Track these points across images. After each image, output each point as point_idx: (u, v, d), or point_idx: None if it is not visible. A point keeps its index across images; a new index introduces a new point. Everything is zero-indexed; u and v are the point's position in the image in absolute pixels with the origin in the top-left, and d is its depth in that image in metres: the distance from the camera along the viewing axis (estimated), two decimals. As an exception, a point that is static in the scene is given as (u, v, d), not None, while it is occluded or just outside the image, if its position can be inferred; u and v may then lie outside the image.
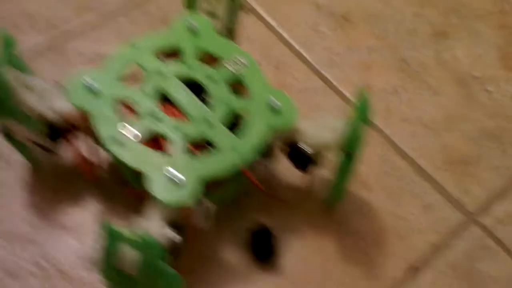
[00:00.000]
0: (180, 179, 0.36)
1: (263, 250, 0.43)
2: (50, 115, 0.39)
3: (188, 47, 0.42)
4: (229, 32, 0.46)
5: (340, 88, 0.51)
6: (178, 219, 0.37)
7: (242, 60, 0.41)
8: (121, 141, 0.37)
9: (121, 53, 0.41)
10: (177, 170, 0.36)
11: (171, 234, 0.36)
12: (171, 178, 0.36)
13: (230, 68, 0.41)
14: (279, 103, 0.39)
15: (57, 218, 0.42)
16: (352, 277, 0.43)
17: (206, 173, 0.37)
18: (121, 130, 0.37)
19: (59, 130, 0.40)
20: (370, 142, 0.41)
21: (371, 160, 0.47)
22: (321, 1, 0.56)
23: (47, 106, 0.39)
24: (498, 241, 0.45)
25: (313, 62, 0.53)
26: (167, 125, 0.38)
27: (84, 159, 0.41)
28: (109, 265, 0.33)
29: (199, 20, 0.42)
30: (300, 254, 0.43)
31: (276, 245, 0.43)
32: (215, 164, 0.37)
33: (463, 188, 0.47)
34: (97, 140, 0.39)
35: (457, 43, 0.55)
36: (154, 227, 0.35)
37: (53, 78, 0.41)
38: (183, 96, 0.39)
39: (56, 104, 0.39)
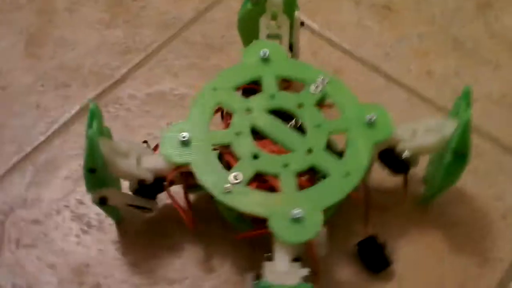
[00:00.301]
0: (301, 216, 0.35)
1: (373, 260, 0.42)
2: (147, 176, 0.38)
3: (267, 77, 0.41)
4: (291, 50, 0.45)
5: (403, 81, 0.51)
6: (301, 253, 0.37)
7: (323, 79, 0.40)
8: (229, 189, 0.36)
9: (204, 98, 0.40)
10: (294, 207, 0.35)
11: (303, 271, 0.35)
12: (292, 217, 0.35)
13: (316, 90, 0.40)
14: (374, 116, 0.39)
15: (159, 272, 0.41)
16: (466, 267, 0.43)
17: (324, 203, 0.36)
18: (227, 177, 0.37)
19: (155, 188, 0.39)
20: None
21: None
22: (358, -5, 0.55)
23: (143, 168, 0.38)
24: None
25: (369, 60, 0.52)
26: (270, 163, 0.37)
27: (183, 209, 0.40)
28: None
29: (270, 47, 0.42)
30: (410, 256, 0.43)
31: (384, 252, 0.42)
32: (330, 192, 0.36)
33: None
34: (192, 189, 0.39)
35: (502, 12, 0.55)
36: (287, 268, 0.35)
37: (113, 127, 0.40)
38: (278, 129, 0.39)
39: (151, 164, 0.38)
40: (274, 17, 0.44)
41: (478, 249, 0.43)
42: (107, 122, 0.47)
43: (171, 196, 0.39)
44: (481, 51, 0.52)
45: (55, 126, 0.47)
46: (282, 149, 0.38)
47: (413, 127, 0.40)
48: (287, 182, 0.37)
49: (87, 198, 0.43)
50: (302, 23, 0.44)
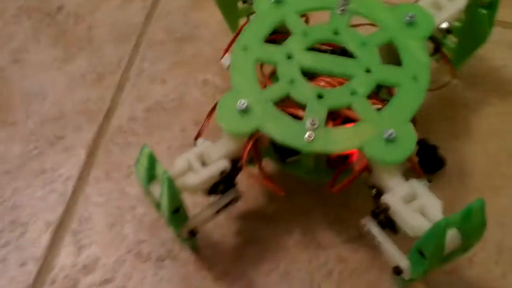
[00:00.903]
0: (394, 135, 0.34)
1: (428, 161, 0.42)
2: (224, 165, 0.35)
3: (290, 16, 0.39)
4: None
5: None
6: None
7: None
8: (311, 136, 0.35)
9: (240, 61, 0.38)
10: (384, 128, 0.34)
11: (424, 182, 0.34)
12: (387, 138, 0.34)
13: (343, 12, 0.39)
14: (411, 14, 0.38)
15: (250, 273, 0.39)
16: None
17: (408, 112, 0.35)
18: (304, 127, 0.35)
19: (229, 178, 0.36)
20: None
21: None
22: None
23: (213, 164, 0.35)
24: None
25: None
26: (338, 96, 0.36)
27: (265, 178, 0.37)
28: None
29: None
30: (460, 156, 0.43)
31: (438, 152, 0.42)
32: (408, 100, 0.36)
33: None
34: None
35: None
36: (409, 188, 0.34)
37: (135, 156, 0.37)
38: (327, 62, 0.38)
39: (218, 154, 0.35)
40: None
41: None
42: (125, 155, 0.44)
43: (258, 172, 0.37)
44: None
45: (72, 183, 0.43)
46: (339, 79, 0.37)
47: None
48: (362, 108, 0.36)
49: (142, 234, 0.40)
50: None
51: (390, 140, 0.34)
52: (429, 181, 0.35)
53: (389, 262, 0.35)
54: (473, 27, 0.42)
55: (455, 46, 0.44)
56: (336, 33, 0.38)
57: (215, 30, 0.50)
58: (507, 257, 0.40)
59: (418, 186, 0.34)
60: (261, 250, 0.40)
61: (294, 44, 0.38)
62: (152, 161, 0.33)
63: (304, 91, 0.36)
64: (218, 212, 0.36)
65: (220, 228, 0.40)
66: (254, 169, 0.37)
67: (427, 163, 0.41)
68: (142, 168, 0.34)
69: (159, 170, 0.33)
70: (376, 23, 0.39)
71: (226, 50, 0.42)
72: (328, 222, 0.41)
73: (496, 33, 0.49)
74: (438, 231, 0.30)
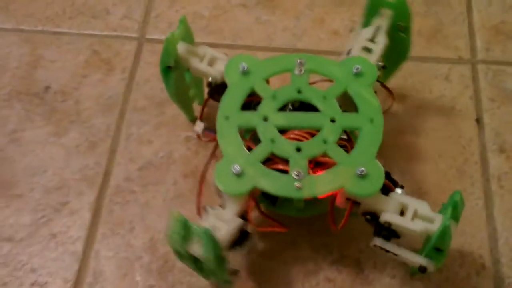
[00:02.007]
0: (364, 171, 0.40)
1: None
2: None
3: (258, 84, 0.45)
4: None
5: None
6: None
7: (299, 61, 0.45)
8: (300, 186, 0.41)
9: (225, 130, 0.43)
10: (356, 167, 0.40)
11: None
12: (358, 174, 0.40)
13: (300, 72, 0.45)
14: (357, 66, 0.44)
15: None
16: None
17: (373, 150, 0.41)
18: (291, 178, 0.41)
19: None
20: None
21: None
22: None
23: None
24: None
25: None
26: (312, 146, 0.42)
27: (271, 222, 0.44)
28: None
29: (245, 59, 0.45)
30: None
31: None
32: (371, 140, 0.42)
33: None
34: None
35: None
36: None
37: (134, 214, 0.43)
38: (297, 119, 0.43)
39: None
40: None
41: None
42: (126, 211, 0.49)
43: (263, 217, 0.43)
44: None
45: (82, 242, 0.47)
46: (307, 131, 0.43)
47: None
48: (335, 153, 0.42)
49: (151, 279, 0.45)
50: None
51: (362, 176, 0.40)
52: (402, 187, 0.42)
53: (410, 264, 0.42)
54: (396, 49, 0.48)
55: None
56: (299, 91, 0.44)
57: (190, 92, 0.56)
58: (469, 259, 0.46)
59: (400, 197, 0.40)
60: (260, 280, 0.45)
61: (266, 107, 0.44)
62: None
63: (285, 147, 0.42)
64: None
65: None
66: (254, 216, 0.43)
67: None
68: (177, 235, 0.38)
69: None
70: (330, 78, 0.45)
71: (200, 118, 0.48)
72: (314, 248, 0.47)
73: (433, 68, 0.57)
74: (448, 229, 0.37)
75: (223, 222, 0.40)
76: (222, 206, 0.41)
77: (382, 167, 0.41)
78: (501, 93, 0.55)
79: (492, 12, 0.60)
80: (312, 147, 0.42)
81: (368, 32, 0.47)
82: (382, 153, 0.43)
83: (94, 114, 0.55)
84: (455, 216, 0.39)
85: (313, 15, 0.61)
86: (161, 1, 0.62)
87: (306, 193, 0.40)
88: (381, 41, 0.47)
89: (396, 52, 0.49)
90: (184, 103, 0.51)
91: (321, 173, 0.41)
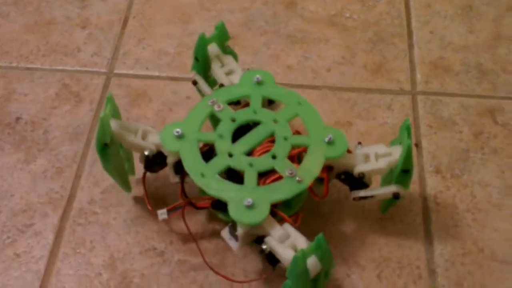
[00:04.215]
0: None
1: None
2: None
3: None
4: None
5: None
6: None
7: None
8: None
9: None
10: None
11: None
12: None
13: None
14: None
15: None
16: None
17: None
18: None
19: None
20: None
21: None
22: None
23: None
24: None
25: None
26: (241, 161, 0.45)
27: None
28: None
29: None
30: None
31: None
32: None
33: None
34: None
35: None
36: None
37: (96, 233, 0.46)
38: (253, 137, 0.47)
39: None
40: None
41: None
42: (87, 232, 0.49)
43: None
44: (315, 33, 0.63)
45: (44, 261, 0.48)
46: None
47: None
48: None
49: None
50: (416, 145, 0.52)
51: (331, 143, 0.46)
52: (360, 143, 0.48)
53: (385, 197, 0.47)
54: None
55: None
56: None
57: (153, 121, 0.57)
58: (407, 270, 0.47)
59: (361, 150, 0.46)
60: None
61: (239, 147, 0.46)
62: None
63: (240, 163, 0.45)
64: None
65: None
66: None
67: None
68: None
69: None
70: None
71: (147, 197, 0.49)
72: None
73: (377, 98, 0.59)
74: (410, 148, 0.43)
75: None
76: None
77: (343, 133, 0.46)
78: (437, 120, 0.57)
79: (432, 48, 0.64)
80: (261, 163, 0.45)
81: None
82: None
83: (62, 142, 0.56)
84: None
85: (269, 52, 0.63)
86: (129, 39, 0.64)
87: (307, 182, 0.44)
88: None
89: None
90: (121, 177, 0.49)
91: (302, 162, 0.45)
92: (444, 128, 0.57)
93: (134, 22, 0.66)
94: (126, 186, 0.51)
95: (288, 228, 0.43)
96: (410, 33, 0.65)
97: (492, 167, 0.54)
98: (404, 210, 0.50)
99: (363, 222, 0.50)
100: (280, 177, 0.44)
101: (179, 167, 0.45)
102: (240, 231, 0.42)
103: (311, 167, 0.45)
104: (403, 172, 0.44)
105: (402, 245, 0.48)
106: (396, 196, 0.46)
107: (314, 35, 0.65)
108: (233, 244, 0.43)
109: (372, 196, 0.46)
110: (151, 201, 0.49)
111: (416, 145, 0.55)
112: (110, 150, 0.45)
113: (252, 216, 0.42)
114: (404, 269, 0.47)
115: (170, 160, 0.46)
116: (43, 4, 0.68)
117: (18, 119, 0.58)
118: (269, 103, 0.50)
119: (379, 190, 0.46)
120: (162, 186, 0.52)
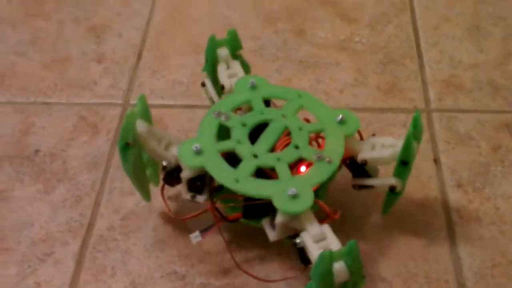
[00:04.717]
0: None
1: None
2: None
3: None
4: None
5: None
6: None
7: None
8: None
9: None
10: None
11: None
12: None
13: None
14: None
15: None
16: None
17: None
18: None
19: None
20: None
21: None
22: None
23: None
24: None
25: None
26: (268, 158, 0.45)
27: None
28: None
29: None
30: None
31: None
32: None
33: None
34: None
35: (319, 27, 0.67)
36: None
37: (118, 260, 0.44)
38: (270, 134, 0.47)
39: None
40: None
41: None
42: (108, 258, 0.49)
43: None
44: (326, 57, 0.64)
45: (65, 289, 0.47)
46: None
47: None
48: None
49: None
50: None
51: (342, 122, 0.47)
52: (374, 135, 0.48)
53: (383, 189, 0.47)
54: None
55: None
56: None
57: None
58: (435, 285, 0.46)
59: (372, 139, 0.47)
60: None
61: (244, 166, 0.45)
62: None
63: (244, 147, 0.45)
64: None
65: None
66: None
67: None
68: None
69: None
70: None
71: (169, 212, 0.49)
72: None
73: (391, 117, 0.59)
74: (411, 139, 0.42)
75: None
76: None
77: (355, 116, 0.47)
78: (454, 136, 0.57)
79: (442, 68, 0.64)
80: (265, 159, 0.45)
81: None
82: (344, 195, 0.46)
83: (80, 172, 0.56)
84: (416, 135, 0.42)
85: (281, 77, 0.64)
86: (144, 71, 0.65)
87: (337, 161, 0.45)
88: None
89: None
90: (141, 182, 0.49)
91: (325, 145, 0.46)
92: (462, 144, 0.56)
93: (148, 55, 0.67)
94: (145, 194, 0.50)
95: (326, 230, 0.42)
96: (420, 54, 0.65)
97: (514, 179, 0.53)
98: (427, 224, 0.49)
99: (385, 238, 0.49)
100: (310, 164, 0.44)
101: (192, 184, 0.45)
102: (279, 219, 0.41)
103: (335, 147, 0.45)
104: (402, 164, 0.44)
105: (428, 259, 0.47)
106: (392, 189, 0.45)
107: (325, 60, 0.65)
108: (270, 233, 0.43)
109: (371, 186, 0.46)
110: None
111: (435, 160, 0.54)
112: (132, 150, 0.45)
113: (299, 205, 0.41)
114: (433, 283, 0.46)
115: (185, 174, 0.45)
116: (59, 42, 0.69)
117: (37, 151, 0.58)
118: (266, 105, 0.50)
119: (377, 181, 0.46)
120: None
